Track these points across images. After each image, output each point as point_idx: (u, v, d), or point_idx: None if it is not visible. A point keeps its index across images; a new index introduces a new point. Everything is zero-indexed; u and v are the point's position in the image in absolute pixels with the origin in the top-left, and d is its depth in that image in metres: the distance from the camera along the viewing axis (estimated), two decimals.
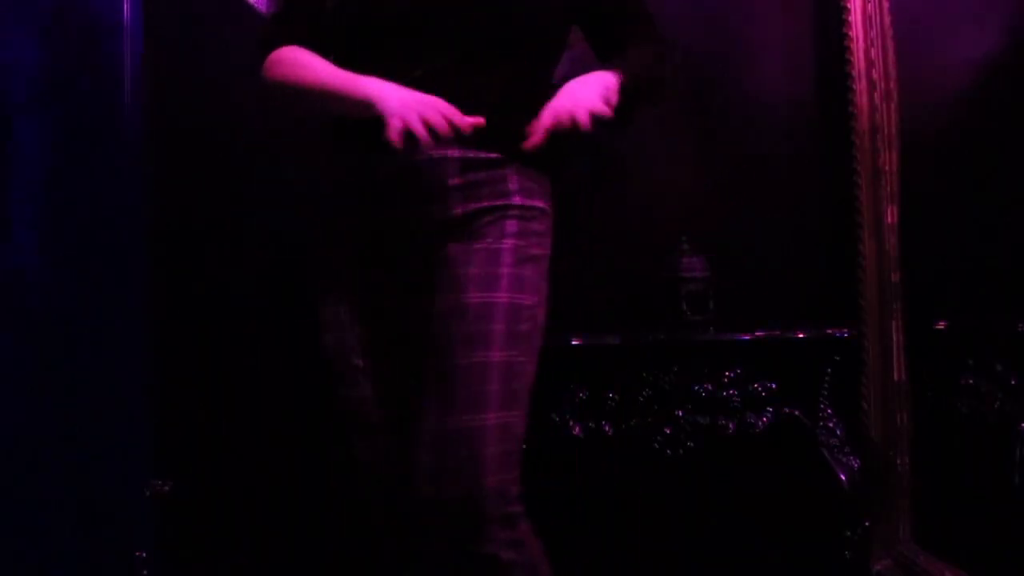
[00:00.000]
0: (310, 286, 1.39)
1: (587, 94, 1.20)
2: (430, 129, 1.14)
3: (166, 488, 1.86)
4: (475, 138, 1.20)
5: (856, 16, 2.00)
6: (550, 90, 1.27)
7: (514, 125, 1.23)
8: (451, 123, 1.16)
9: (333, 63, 1.29)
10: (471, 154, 1.26)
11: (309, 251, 1.40)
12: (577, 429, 1.80)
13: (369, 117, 1.19)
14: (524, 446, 1.79)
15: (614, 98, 1.23)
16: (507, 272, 1.23)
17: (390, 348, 1.29)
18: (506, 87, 1.27)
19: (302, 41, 1.32)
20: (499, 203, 1.27)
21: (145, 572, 1.78)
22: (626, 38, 1.40)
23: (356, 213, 1.32)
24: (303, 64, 1.29)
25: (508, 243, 1.25)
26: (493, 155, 1.27)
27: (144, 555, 1.79)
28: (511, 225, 1.27)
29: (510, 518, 1.14)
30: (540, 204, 1.32)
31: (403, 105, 1.16)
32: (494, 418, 1.14)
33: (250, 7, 2.02)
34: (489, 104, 1.23)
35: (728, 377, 1.81)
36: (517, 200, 1.28)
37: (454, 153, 1.25)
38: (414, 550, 1.22)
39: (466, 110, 1.19)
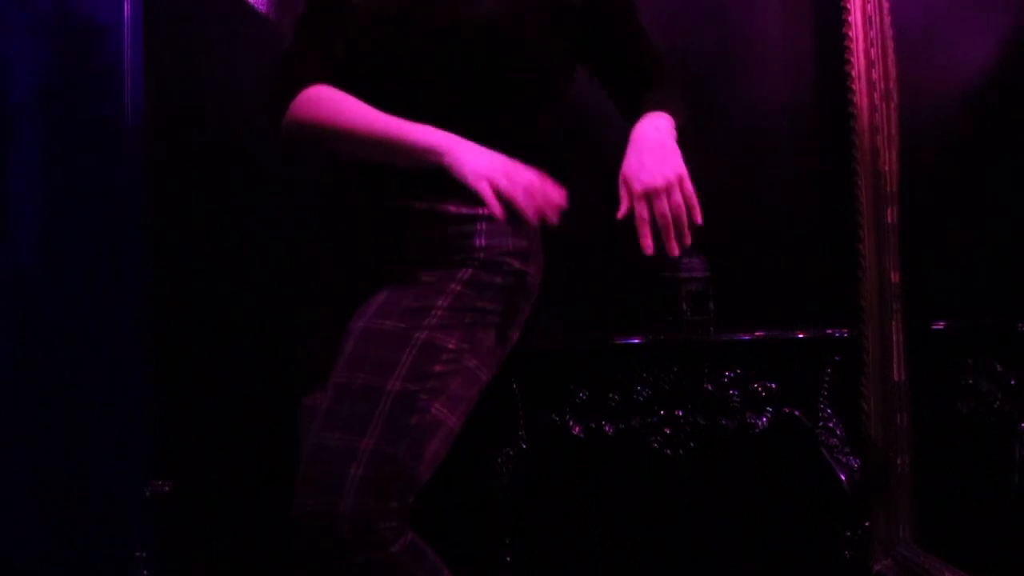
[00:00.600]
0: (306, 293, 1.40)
1: (672, 165, 1.18)
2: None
3: (166, 488, 1.86)
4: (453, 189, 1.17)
5: (856, 16, 2.00)
6: (549, 138, 1.27)
7: None
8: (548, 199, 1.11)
9: None
10: (440, 208, 1.25)
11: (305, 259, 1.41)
12: (577, 429, 1.80)
13: (428, 168, 1.17)
14: (522, 448, 1.80)
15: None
16: (439, 312, 1.19)
17: None
18: (507, 135, 1.24)
19: (325, 80, 1.27)
20: (459, 256, 1.25)
21: (145, 572, 1.78)
22: (642, 77, 1.39)
23: (343, 242, 1.32)
24: (344, 104, 1.24)
25: (454, 287, 1.22)
26: (466, 211, 1.25)
27: (144, 555, 1.79)
28: (463, 272, 1.24)
29: (370, 543, 1.09)
30: (510, 261, 1.28)
31: (490, 168, 1.12)
32: (369, 443, 1.10)
33: (250, 7, 2.02)
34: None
35: (728, 377, 1.81)
36: (480, 255, 1.25)
37: (420, 206, 1.25)
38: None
39: None
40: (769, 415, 1.82)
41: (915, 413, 1.95)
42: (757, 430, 1.81)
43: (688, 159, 1.23)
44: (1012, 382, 1.88)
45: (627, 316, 1.98)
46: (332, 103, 1.24)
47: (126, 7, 1.83)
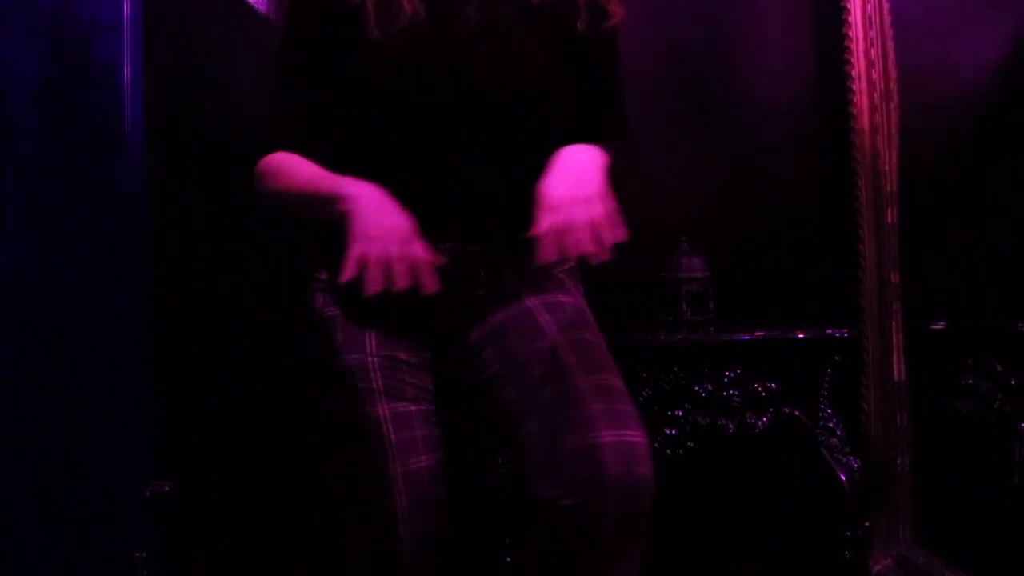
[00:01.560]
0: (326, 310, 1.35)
1: (592, 203, 1.14)
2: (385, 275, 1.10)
3: (166, 488, 1.86)
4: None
5: (856, 16, 2.00)
6: None
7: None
8: (414, 274, 1.11)
9: (333, 159, 1.28)
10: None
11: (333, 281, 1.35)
12: None
13: (334, 218, 1.16)
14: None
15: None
16: (590, 314, 1.31)
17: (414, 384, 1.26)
18: (526, 169, 1.20)
19: (301, 140, 1.29)
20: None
21: (145, 572, 1.78)
22: (594, 125, 1.36)
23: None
24: (288, 169, 1.27)
25: (572, 286, 1.35)
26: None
27: (144, 555, 1.79)
28: (569, 283, 1.35)
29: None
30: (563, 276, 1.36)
31: (373, 237, 1.11)
32: (620, 383, 1.19)
33: (250, 7, 2.02)
34: (508, 198, 1.22)
35: (728, 377, 1.81)
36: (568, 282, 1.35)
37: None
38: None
39: (482, 206, 1.23)
40: (769, 415, 1.82)
41: (915, 413, 1.95)
42: (757, 430, 1.81)
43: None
44: (1012, 382, 1.89)
45: (627, 316, 1.98)
46: (277, 168, 1.28)
47: (126, 7, 1.83)
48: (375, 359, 1.24)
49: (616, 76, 1.41)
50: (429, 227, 1.17)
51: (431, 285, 1.12)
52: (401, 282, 1.10)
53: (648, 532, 1.11)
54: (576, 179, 1.15)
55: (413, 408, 1.22)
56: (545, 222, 1.11)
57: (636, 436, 1.10)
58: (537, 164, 1.20)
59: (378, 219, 1.13)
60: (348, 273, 1.10)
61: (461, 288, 1.25)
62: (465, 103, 1.24)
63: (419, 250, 1.13)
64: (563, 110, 1.32)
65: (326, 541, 2.03)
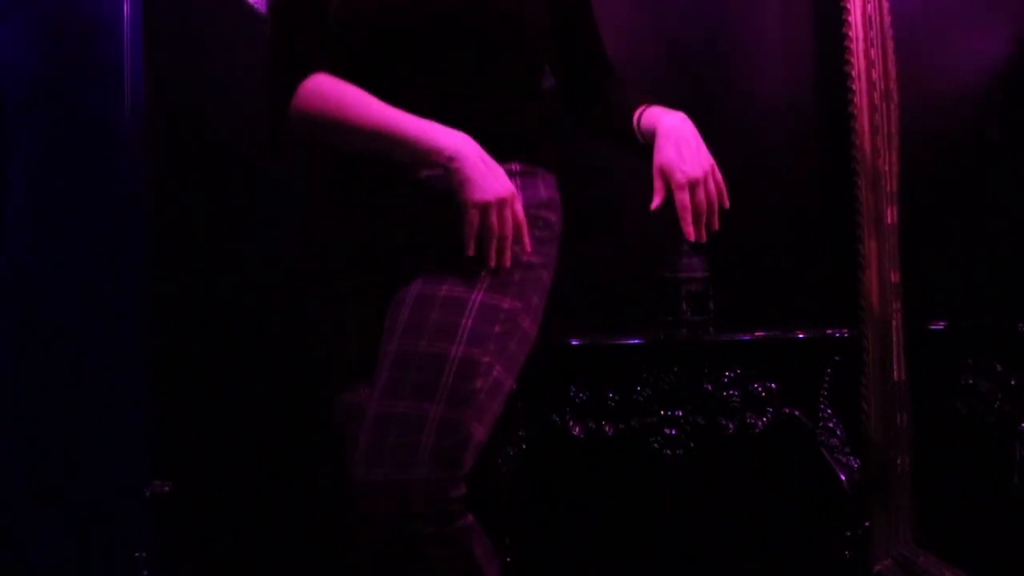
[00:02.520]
0: (308, 290, 1.39)
1: (706, 155, 1.27)
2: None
3: (166, 488, 1.86)
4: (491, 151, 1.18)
5: (856, 16, 2.00)
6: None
7: (524, 134, 1.24)
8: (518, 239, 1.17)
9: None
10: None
11: (308, 257, 1.39)
12: (577, 429, 1.80)
13: (431, 166, 1.17)
14: (522, 448, 1.80)
15: None
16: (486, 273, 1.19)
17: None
18: (515, 96, 1.27)
19: (322, 65, 1.23)
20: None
21: (145, 572, 1.78)
22: (600, 65, 1.45)
23: (356, 227, 1.29)
24: (348, 96, 1.20)
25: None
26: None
27: (144, 555, 1.79)
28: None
29: (441, 515, 1.08)
30: (544, 213, 1.30)
31: (492, 195, 1.13)
32: (437, 411, 1.09)
33: (250, 7, 2.02)
34: (500, 115, 1.23)
35: (728, 377, 1.81)
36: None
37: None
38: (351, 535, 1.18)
39: (479, 122, 1.19)
40: (769, 415, 1.82)
41: (915, 413, 1.95)
42: (757, 430, 1.81)
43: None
44: (1012, 382, 1.88)
45: (627, 316, 1.98)
46: (336, 95, 1.20)
47: (126, 7, 1.83)
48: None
49: (595, 21, 1.46)
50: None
51: (527, 246, 1.18)
52: (508, 247, 1.15)
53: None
54: (695, 153, 1.25)
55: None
56: (682, 198, 1.23)
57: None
58: (514, 97, 1.26)
59: (493, 181, 1.14)
60: (469, 247, 1.14)
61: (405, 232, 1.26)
62: (441, 25, 1.22)
63: (520, 211, 1.17)
64: (539, 43, 1.32)
65: (326, 541, 2.03)
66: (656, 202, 1.26)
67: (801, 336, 1.84)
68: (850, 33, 2.00)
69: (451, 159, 1.14)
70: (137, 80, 1.84)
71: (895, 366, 1.95)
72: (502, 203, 1.14)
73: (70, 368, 1.76)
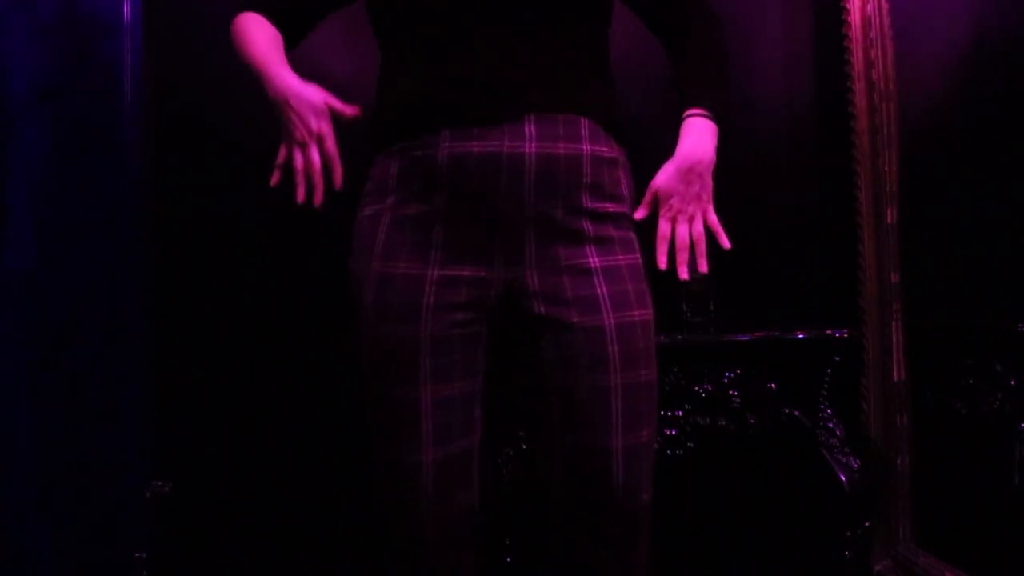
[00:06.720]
0: (356, 274, 1.23)
1: (706, 195, 1.22)
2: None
3: (166, 488, 1.86)
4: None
5: (856, 16, 2.00)
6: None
7: (591, 95, 1.18)
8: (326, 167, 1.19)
9: (384, 38, 1.23)
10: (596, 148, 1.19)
11: (358, 236, 1.25)
12: None
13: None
14: (522, 448, 1.80)
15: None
16: (642, 284, 1.21)
17: (464, 350, 1.19)
18: (576, 55, 1.18)
19: (264, 11, 1.33)
20: (613, 205, 1.20)
21: (145, 572, 1.78)
22: (681, 15, 1.32)
23: (432, 201, 1.16)
24: (250, 34, 1.32)
25: (631, 241, 1.22)
26: (616, 152, 1.21)
27: (144, 556, 1.79)
28: (628, 225, 1.23)
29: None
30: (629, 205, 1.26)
31: (304, 127, 1.17)
32: (650, 435, 1.19)
33: None
34: (567, 73, 1.16)
35: (728, 377, 1.81)
36: (627, 204, 1.23)
37: (586, 148, 1.17)
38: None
39: (540, 80, 1.13)
40: (769, 415, 1.82)
41: (915, 413, 1.95)
42: (757, 430, 1.81)
43: (725, 141, 1.25)
44: (1012, 382, 1.88)
45: None
46: (244, 32, 1.33)
47: (126, 7, 1.83)
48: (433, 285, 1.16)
49: None
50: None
51: (338, 182, 1.19)
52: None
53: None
54: (696, 190, 1.21)
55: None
56: (663, 228, 1.21)
57: None
58: (584, 48, 1.18)
59: (299, 123, 1.18)
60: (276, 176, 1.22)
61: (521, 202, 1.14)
62: None
63: (333, 147, 1.18)
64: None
65: (326, 541, 2.03)
66: (639, 214, 1.23)
67: (801, 336, 1.84)
68: (850, 33, 2.01)
69: (273, 107, 1.20)
70: (138, 81, 1.84)
71: (895, 366, 1.95)
72: (306, 143, 1.18)
73: (70, 369, 1.76)
